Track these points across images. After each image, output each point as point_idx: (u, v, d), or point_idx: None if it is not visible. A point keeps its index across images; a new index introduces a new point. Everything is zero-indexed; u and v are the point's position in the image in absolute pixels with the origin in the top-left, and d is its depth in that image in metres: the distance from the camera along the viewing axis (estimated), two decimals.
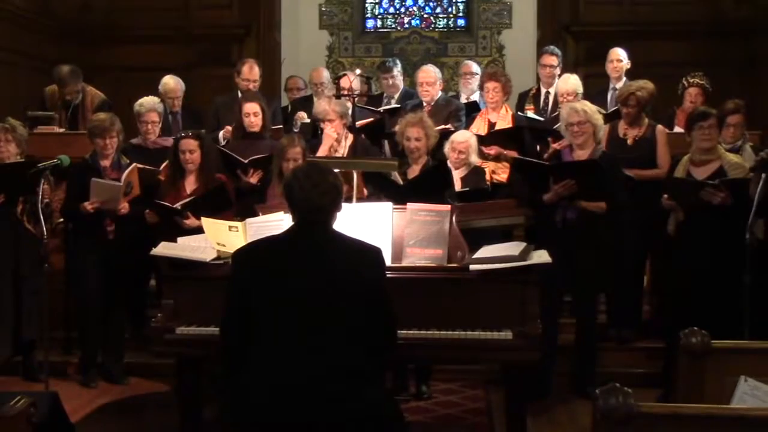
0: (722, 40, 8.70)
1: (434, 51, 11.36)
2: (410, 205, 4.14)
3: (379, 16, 11.75)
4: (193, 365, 4.05)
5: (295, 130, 6.67)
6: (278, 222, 4.04)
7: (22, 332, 5.60)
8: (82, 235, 5.64)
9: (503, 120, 6.47)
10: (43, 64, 8.13)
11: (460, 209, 4.42)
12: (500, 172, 6.28)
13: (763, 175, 4.66)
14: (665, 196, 5.20)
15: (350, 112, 6.09)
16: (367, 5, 11.73)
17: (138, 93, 6.87)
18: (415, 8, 11.72)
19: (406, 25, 11.67)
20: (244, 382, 3.15)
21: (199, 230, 4.52)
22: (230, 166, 5.95)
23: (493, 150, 6.24)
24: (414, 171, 5.42)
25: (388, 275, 3.38)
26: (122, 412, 5.29)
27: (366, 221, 3.95)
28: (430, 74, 6.77)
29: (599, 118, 5.33)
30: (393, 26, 11.70)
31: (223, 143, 6.56)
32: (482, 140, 6.18)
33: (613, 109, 6.31)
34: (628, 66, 7.07)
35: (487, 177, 6.07)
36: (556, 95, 6.97)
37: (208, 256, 4.00)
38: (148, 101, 6.51)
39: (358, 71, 6.88)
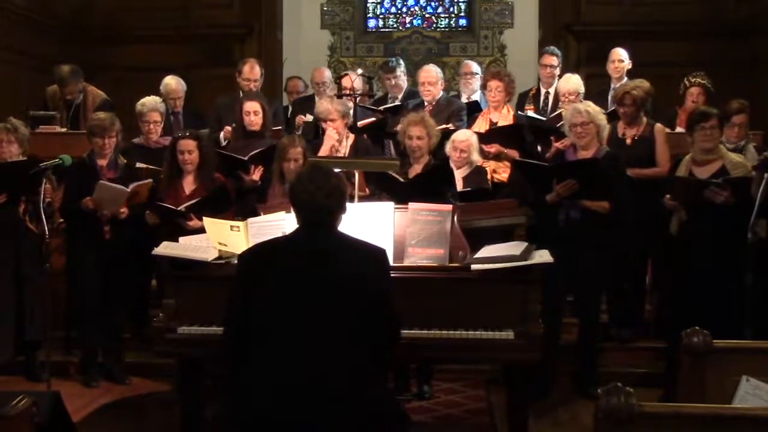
0: (724, 40, 8.70)
1: (436, 51, 11.36)
2: (412, 205, 4.14)
3: (381, 16, 11.74)
4: (194, 365, 4.05)
5: (298, 134, 6.67)
6: (280, 222, 4.04)
7: (25, 332, 5.61)
8: (79, 234, 5.64)
9: (505, 120, 6.47)
10: (44, 64, 8.14)
11: (462, 209, 4.42)
12: (501, 172, 6.27)
13: (766, 175, 4.65)
14: (667, 196, 5.20)
15: (352, 111, 6.10)
16: (368, 5, 11.72)
17: (139, 93, 6.88)
18: (416, 8, 11.72)
19: (408, 25, 11.66)
20: (246, 382, 3.15)
21: (200, 231, 4.53)
22: (230, 167, 5.94)
23: (493, 148, 6.24)
24: (415, 170, 5.43)
25: (390, 275, 3.38)
26: (124, 412, 5.29)
27: (367, 221, 3.95)
28: (431, 74, 6.76)
29: (603, 118, 5.33)
30: (395, 26, 11.70)
31: (224, 143, 6.56)
32: (483, 138, 6.18)
33: (613, 108, 6.32)
34: (630, 66, 7.07)
35: (488, 176, 6.06)
36: (556, 95, 6.98)
37: (209, 255, 4.00)
38: (150, 101, 6.52)
39: (359, 71, 6.88)
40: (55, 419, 3.33)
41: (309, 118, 6.92)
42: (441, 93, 6.83)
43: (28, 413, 2.81)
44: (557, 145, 5.86)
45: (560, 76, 7.01)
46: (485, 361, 4.82)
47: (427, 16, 11.68)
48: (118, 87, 8.38)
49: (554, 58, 7.21)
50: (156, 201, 5.53)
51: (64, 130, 6.79)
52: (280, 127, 6.70)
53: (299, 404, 3.02)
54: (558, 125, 5.85)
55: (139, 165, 5.96)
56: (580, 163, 5.19)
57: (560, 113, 6.24)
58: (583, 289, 5.35)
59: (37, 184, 5.11)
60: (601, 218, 5.16)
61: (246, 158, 5.88)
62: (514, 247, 4.00)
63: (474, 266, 3.86)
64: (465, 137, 5.84)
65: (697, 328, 3.15)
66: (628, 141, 5.92)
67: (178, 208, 5.38)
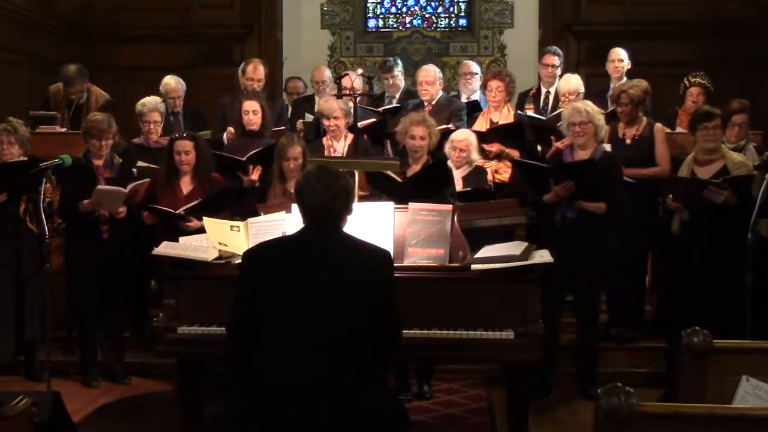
0: (724, 40, 8.69)
1: (436, 51, 11.36)
2: (412, 205, 4.14)
3: (381, 16, 11.75)
4: (194, 365, 4.05)
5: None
6: (280, 222, 4.04)
7: (25, 332, 5.61)
8: (77, 234, 5.64)
9: (505, 120, 6.47)
10: (45, 64, 8.14)
11: (462, 209, 4.42)
12: (502, 172, 6.27)
13: (767, 175, 4.66)
14: (669, 196, 5.20)
15: (352, 111, 6.10)
16: (368, 5, 11.72)
17: (139, 93, 6.88)
18: (416, 8, 11.72)
19: (408, 25, 11.67)
20: (248, 382, 3.15)
21: (200, 231, 4.53)
22: (229, 167, 5.94)
23: (494, 147, 6.24)
24: (414, 170, 5.42)
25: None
26: (124, 412, 5.29)
27: (368, 221, 3.95)
28: (429, 73, 6.76)
29: (601, 118, 5.33)
30: (395, 26, 11.70)
31: (227, 143, 6.56)
32: (483, 137, 6.18)
33: (612, 109, 6.32)
34: (629, 66, 7.07)
35: (490, 177, 6.07)
36: (556, 95, 6.98)
37: (209, 255, 4.00)
38: (151, 101, 6.52)
39: (359, 71, 6.88)
40: (55, 419, 3.33)
41: (309, 118, 6.92)
42: (441, 93, 6.82)
43: (28, 413, 2.81)
44: (558, 145, 5.86)
45: (561, 76, 7.01)
46: (485, 361, 4.81)
47: (427, 16, 11.69)
48: (118, 87, 8.38)
49: (556, 57, 7.21)
50: (153, 201, 5.52)
51: (64, 130, 6.79)
52: (283, 127, 6.70)
53: (300, 404, 3.02)
54: (558, 125, 5.85)
55: (140, 164, 5.97)
56: (578, 165, 5.19)
57: (560, 113, 6.23)
58: (583, 289, 5.34)
59: (37, 184, 5.11)
60: (598, 218, 5.16)
61: (244, 159, 5.88)
62: (514, 247, 4.00)
63: (474, 266, 3.86)
64: (464, 137, 5.84)
65: (697, 328, 3.15)
66: (628, 141, 5.92)
67: (177, 211, 5.37)
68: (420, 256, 4.05)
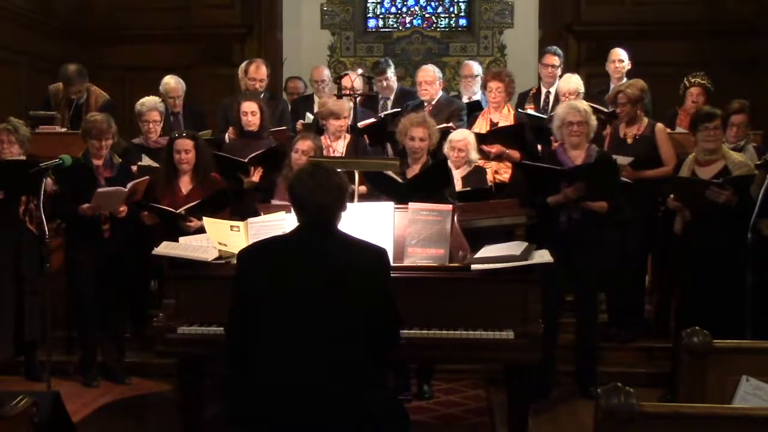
0: (724, 40, 8.69)
1: (436, 51, 11.35)
2: (412, 205, 4.14)
3: (381, 16, 11.74)
4: (194, 365, 4.05)
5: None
6: (280, 221, 4.04)
7: (24, 332, 5.61)
8: (77, 234, 5.63)
9: (505, 120, 6.47)
10: (45, 64, 8.14)
11: (462, 209, 4.42)
12: (503, 172, 6.27)
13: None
14: (671, 196, 5.20)
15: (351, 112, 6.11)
16: (368, 5, 11.71)
17: (139, 93, 6.89)
18: (416, 8, 11.71)
19: (408, 25, 11.66)
20: (246, 382, 3.15)
21: (200, 231, 4.53)
22: (229, 168, 5.94)
23: (494, 148, 6.23)
24: (414, 171, 5.41)
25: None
26: (124, 412, 5.29)
27: (367, 221, 3.95)
28: (428, 73, 6.76)
29: (594, 118, 5.35)
30: (395, 26, 11.69)
31: (228, 143, 6.56)
32: (484, 138, 6.17)
33: (613, 109, 6.32)
34: (629, 66, 7.08)
35: (490, 177, 6.06)
36: (556, 95, 6.98)
37: (209, 255, 3.99)
38: (150, 101, 6.53)
39: (359, 71, 6.88)
40: (55, 419, 3.33)
41: (309, 118, 6.91)
42: (441, 93, 6.82)
43: (28, 413, 2.81)
44: (557, 145, 5.85)
45: (561, 76, 7.01)
46: (485, 361, 4.80)
47: (427, 16, 11.67)
48: (118, 87, 8.40)
49: (556, 58, 7.21)
50: (152, 200, 5.52)
51: (64, 130, 6.79)
52: (284, 128, 6.70)
53: (298, 404, 3.01)
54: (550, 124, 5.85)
55: (141, 164, 5.97)
56: (597, 166, 5.19)
57: None
58: (583, 289, 5.34)
59: (37, 185, 5.11)
60: (601, 219, 5.16)
61: (246, 161, 5.88)
62: (514, 247, 4.00)
63: (474, 266, 3.86)
64: (462, 136, 5.84)
65: (697, 328, 3.15)
66: (629, 140, 5.93)
67: (177, 211, 5.37)
68: (420, 256, 4.05)
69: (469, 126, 6.43)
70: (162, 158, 5.73)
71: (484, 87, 6.80)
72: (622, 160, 5.57)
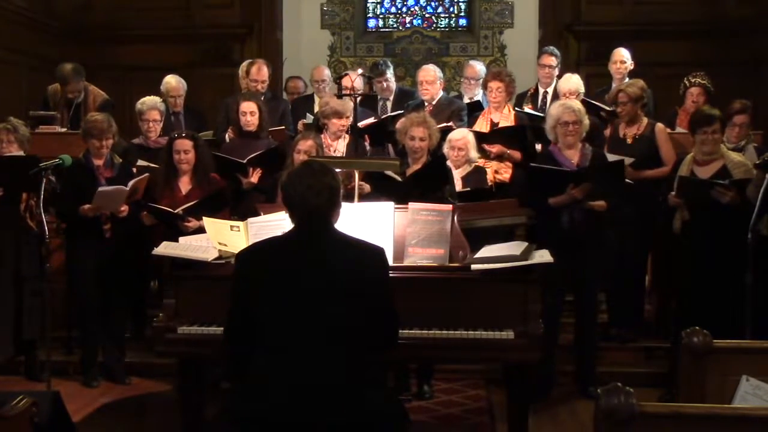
0: (724, 40, 8.69)
1: (436, 51, 11.34)
2: (412, 205, 4.13)
3: (381, 16, 11.73)
4: (194, 365, 4.05)
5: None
6: (279, 221, 4.03)
7: (24, 332, 5.61)
8: (78, 234, 5.63)
9: (506, 120, 6.46)
10: (45, 64, 8.14)
11: (462, 209, 4.42)
12: (503, 172, 6.27)
13: (767, 176, 4.66)
14: (672, 193, 5.21)
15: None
16: (368, 5, 11.70)
17: (139, 93, 6.89)
18: (416, 8, 11.71)
19: (408, 25, 11.65)
20: (246, 383, 3.14)
21: (199, 231, 4.52)
22: (228, 168, 5.93)
23: (495, 148, 6.23)
24: (413, 171, 5.41)
25: (389, 275, 3.37)
26: (124, 412, 5.29)
27: (367, 221, 3.95)
28: (429, 73, 6.76)
29: (587, 118, 5.36)
30: (395, 26, 11.68)
31: (227, 143, 6.56)
32: (485, 138, 6.17)
33: (614, 109, 6.32)
34: (632, 67, 7.08)
35: (490, 177, 6.06)
36: (554, 95, 6.98)
37: (209, 255, 3.99)
38: (150, 100, 6.53)
39: (360, 71, 6.88)
40: (55, 419, 3.33)
41: (309, 118, 6.91)
42: (441, 93, 6.82)
43: (28, 413, 2.81)
44: (552, 145, 5.85)
45: (560, 77, 7.01)
46: (485, 361, 4.81)
47: (427, 16, 11.67)
48: (118, 87, 8.39)
49: (553, 58, 7.21)
50: (151, 200, 5.52)
51: (64, 130, 6.79)
52: (283, 127, 6.70)
53: (298, 404, 3.02)
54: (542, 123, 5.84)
55: (139, 164, 5.96)
56: (609, 166, 5.22)
57: None
58: (583, 289, 5.34)
59: (37, 184, 5.11)
60: (601, 218, 5.17)
61: (245, 161, 5.88)
62: (514, 247, 4.00)
63: (474, 266, 3.86)
64: (461, 135, 5.84)
65: (697, 328, 3.15)
66: (629, 140, 5.94)
67: (176, 211, 5.37)
68: (420, 256, 4.04)
69: (470, 126, 6.43)
70: (161, 158, 5.73)
71: (484, 87, 6.80)
72: (625, 160, 5.57)
